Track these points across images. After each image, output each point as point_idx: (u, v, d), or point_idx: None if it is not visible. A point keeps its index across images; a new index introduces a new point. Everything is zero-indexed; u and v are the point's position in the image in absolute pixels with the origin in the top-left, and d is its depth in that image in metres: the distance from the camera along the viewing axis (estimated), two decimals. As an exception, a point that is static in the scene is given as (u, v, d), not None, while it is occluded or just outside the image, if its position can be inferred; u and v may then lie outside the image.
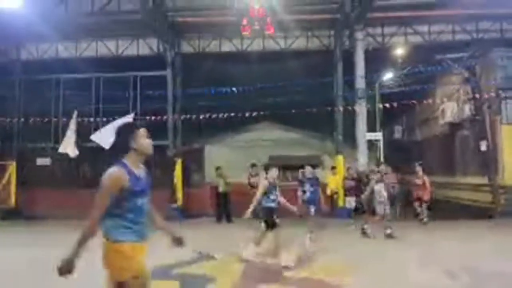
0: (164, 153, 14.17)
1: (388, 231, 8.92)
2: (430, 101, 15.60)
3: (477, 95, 13.37)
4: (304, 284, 5.45)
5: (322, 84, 14.02)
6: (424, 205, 11.25)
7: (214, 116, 14.03)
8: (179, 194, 13.86)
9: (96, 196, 2.68)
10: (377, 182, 9.05)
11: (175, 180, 13.82)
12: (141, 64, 14.62)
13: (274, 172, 6.72)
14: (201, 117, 14.42)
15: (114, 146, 3.12)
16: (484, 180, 13.02)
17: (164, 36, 13.73)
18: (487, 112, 13.17)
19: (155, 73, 14.41)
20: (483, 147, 12.98)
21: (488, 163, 12.95)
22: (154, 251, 7.30)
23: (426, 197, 11.25)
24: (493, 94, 12.92)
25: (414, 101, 14.48)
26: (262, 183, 6.72)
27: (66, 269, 2.53)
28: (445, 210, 14.25)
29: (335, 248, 7.93)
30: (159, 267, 6.37)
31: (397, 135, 24.61)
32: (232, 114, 14.10)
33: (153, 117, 14.04)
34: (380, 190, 9.04)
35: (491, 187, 12.65)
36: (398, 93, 15.99)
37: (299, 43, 14.28)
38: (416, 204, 11.43)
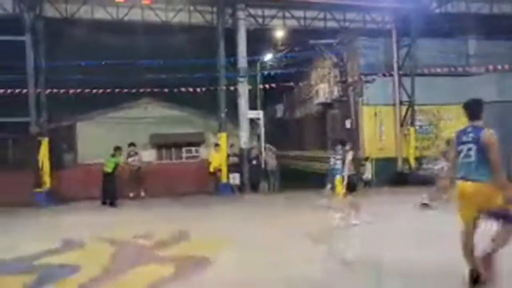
0: (26, 131, 12.40)
1: None
2: (306, 82, 16.79)
3: (344, 79, 14.87)
4: (175, 261, 5.40)
5: (205, 62, 13.85)
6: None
7: (87, 91, 12.73)
8: (46, 177, 12.35)
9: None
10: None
11: (40, 161, 12.24)
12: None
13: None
14: (71, 91, 12.96)
15: None
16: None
17: (20, -6, 11.75)
18: (351, 94, 14.79)
19: (10, 37, 12.27)
20: (348, 124, 14.61)
21: (352, 138, 14.63)
22: (15, 243, 6.47)
23: None
24: (356, 78, 14.55)
25: (292, 83, 15.34)
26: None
27: None
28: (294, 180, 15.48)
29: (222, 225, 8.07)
30: (16, 259, 5.64)
31: (279, 114, 26.13)
32: (109, 90, 12.99)
33: (9, 90, 12.11)
34: None
35: (354, 160, 14.34)
36: (278, 74, 16.82)
37: (182, 17, 13.74)
38: None
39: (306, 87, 19.60)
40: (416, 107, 14.41)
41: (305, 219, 8.38)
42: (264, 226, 7.98)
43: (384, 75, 14.51)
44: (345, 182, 7.66)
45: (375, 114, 14.19)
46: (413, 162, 14.11)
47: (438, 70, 14.41)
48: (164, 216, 9.42)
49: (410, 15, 14.27)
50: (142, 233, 7.17)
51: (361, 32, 14.95)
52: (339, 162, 8.01)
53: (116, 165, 11.36)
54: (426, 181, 13.46)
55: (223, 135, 13.15)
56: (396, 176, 14.21)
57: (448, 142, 7.72)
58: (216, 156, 12.99)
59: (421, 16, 13.99)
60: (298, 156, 21.87)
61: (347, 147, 8.13)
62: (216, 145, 13.32)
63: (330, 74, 16.16)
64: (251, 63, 14.68)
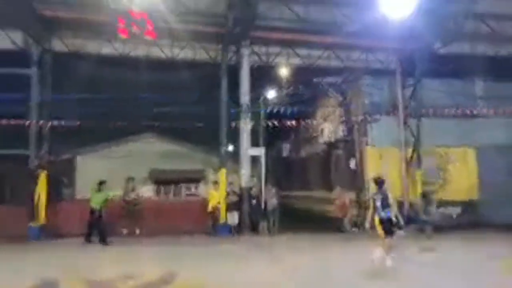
0: (25, 164, 12.29)
1: None
2: (311, 121, 16.59)
3: (348, 118, 14.65)
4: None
5: (208, 98, 13.84)
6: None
7: (88, 124, 12.70)
8: (42, 211, 12.04)
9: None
10: None
11: (37, 195, 11.99)
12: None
13: None
14: (73, 124, 12.94)
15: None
16: (353, 195, 14.18)
17: (30, 29, 12.05)
18: (356, 134, 14.49)
19: (17, 70, 12.48)
20: (352, 165, 14.19)
21: (356, 179, 14.18)
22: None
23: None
24: (361, 118, 14.31)
25: (295, 121, 15.12)
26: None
27: None
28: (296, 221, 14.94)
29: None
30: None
31: (285, 152, 25.84)
32: (110, 123, 12.95)
33: (11, 121, 12.14)
34: None
35: (357, 202, 13.82)
36: (282, 112, 16.72)
37: (186, 53, 13.90)
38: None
39: (312, 126, 19.40)
40: (422, 149, 13.98)
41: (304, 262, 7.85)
42: (257, 268, 7.47)
43: (388, 114, 14.23)
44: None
45: (380, 156, 13.76)
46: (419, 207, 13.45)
47: (445, 111, 14.14)
48: (155, 256, 8.95)
49: (414, 55, 14.21)
50: (126, 274, 6.73)
51: (365, 71, 14.91)
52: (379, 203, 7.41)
53: (106, 201, 11.00)
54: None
55: (223, 172, 12.82)
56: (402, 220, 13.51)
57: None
58: (215, 194, 12.60)
59: (425, 56, 13.92)
60: (301, 196, 21.30)
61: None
62: (215, 182, 12.97)
63: (335, 113, 15.98)
64: (254, 100, 14.61)
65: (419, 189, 13.58)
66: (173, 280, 6.51)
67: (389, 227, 7.27)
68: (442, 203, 14.01)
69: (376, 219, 7.41)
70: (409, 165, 14.00)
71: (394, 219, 7.35)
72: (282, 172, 25.09)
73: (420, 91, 14.33)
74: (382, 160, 13.73)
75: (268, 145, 25.03)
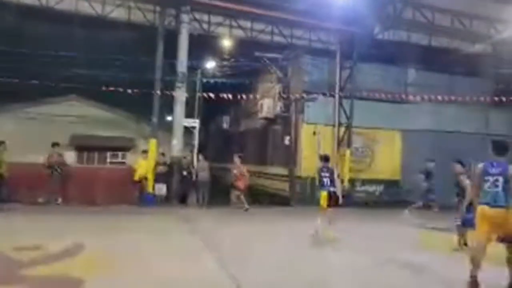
0: None
1: None
2: (249, 96, 16.38)
3: (286, 95, 14.68)
4: (40, 283, 4.60)
5: (142, 63, 13.05)
6: (241, 193, 11.80)
7: (3, 81, 11.41)
8: None
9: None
10: None
11: None
12: None
13: None
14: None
15: None
16: (285, 171, 14.44)
17: None
18: (293, 110, 14.60)
19: None
20: (287, 141, 14.36)
21: (290, 156, 14.40)
22: None
23: (243, 186, 11.83)
24: (299, 95, 14.40)
25: (234, 94, 14.83)
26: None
27: None
28: (258, 197, 15.16)
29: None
30: None
31: (225, 125, 25.56)
32: (29, 82, 11.75)
33: None
34: None
35: (289, 177, 14.10)
36: (222, 84, 16.34)
37: (120, 13, 12.90)
38: (236, 192, 11.94)
39: (252, 100, 19.25)
40: (353, 130, 14.49)
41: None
42: (174, 241, 7.30)
43: (324, 94, 14.48)
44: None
45: (314, 133, 14.04)
46: (347, 184, 14.05)
47: (377, 95, 14.66)
48: (68, 226, 8.40)
49: (354, 38, 14.45)
50: (29, 244, 6.22)
51: (307, 50, 14.93)
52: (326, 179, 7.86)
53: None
54: (358, 203, 13.58)
55: (153, 141, 12.32)
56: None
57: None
58: (143, 164, 12.12)
59: (364, 40, 14.22)
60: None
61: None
62: (144, 151, 12.46)
63: (275, 89, 15.93)
64: (191, 70, 14.06)
65: (348, 167, 14.16)
66: (79, 252, 6.13)
67: (334, 201, 7.75)
68: (367, 181, 14.81)
69: (324, 193, 7.75)
70: (341, 144, 14.46)
71: (338, 194, 7.87)
72: (221, 145, 24.92)
73: (356, 74, 14.69)
74: (315, 137, 14.00)
75: (208, 118, 24.65)
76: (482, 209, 4.72)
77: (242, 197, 11.73)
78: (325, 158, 8.22)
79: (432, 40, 15.47)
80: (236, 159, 12.20)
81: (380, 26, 14.61)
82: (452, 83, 15.78)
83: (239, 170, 11.95)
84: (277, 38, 14.86)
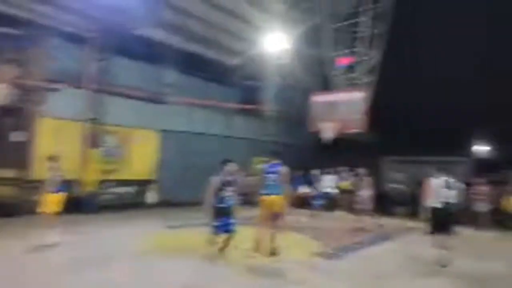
0: None
1: None
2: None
3: (23, 81, 12.32)
4: None
5: None
6: None
7: None
8: None
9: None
10: None
11: None
12: None
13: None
14: None
15: None
16: (12, 174, 12.06)
17: None
18: (29, 100, 12.39)
19: None
20: (18, 137, 12.05)
21: (21, 154, 12.14)
22: None
23: None
24: (40, 84, 12.33)
25: None
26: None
27: None
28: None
29: None
30: None
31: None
32: None
33: None
34: None
35: (19, 181, 11.88)
36: None
37: None
38: None
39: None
40: (106, 127, 13.58)
41: None
42: None
43: (73, 86, 12.95)
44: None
45: (57, 129, 12.33)
46: (94, 186, 13.03)
47: (135, 93, 14.28)
48: None
49: (112, 29, 13.50)
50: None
51: (56, 32, 12.96)
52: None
53: None
54: (105, 207, 12.79)
55: None
56: (72, 201, 12.59)
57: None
58: None
59: (123, 33, 13.51)
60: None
61: None
62: None
63: (8, 72, 13.10)
64: None
65: (97, 167, 13.16)
66: None
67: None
68: (120, 183, 14.21)
69: (53, 197, 7.51)
70: (89, 142, 13.27)
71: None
72: None
73: (113, 68, 13.82)
74: (58, 134, 12.32)
75: None
76: (263, 198, 6.78)
77: None
78: (52, 159, 7.74)
79: (190, 46, 16.27)
80: None
81: (140, 21, 14.24)
82: (205, 88, 17.13)
83: None
84: (16, 11, 12.28)
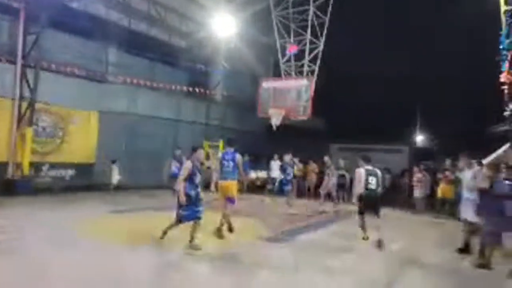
0: None
1: None
2: None
3: None
4: None
5: None
6: None
7: None
8: None
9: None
10: None
11: None
12: None
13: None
14: None
15: None
16: None
17: None
18: None
19: None
20: None
21: None
22: None
23: None
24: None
25: None
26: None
27: None
28: None
29: None
30: None
31: None
32: None
33: None
34: None
35: None
36: None
37: None
38: None
39: None
40: (41, 106, 12.49)
41: None
42: None
43: (1, 59, 11.71)
44: None
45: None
46: (27, 168, 12.01)
47: (72, 70, 13.24)
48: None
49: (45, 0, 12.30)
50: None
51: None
52: None
53: None
54: (42, 190, 11.82)
55: None
56: (4, 184, 11.58)
57: None
58: None
59: (55, 4, 12.38)
60: None
61: None
62: None
63: None
64: None
65: (30, 148, 12.11)
66: None
67: None
68: (56, 165, 13.24)
69: None
70: (22, 121, 12.14)
71: None
72: None
73: (47, 43, 12.65)
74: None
75: None
76: (220, 183, 7.17)
77: None
78: None
79: (132, 23, 15.38)
80: None
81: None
82: (152, 69, 16.35)
83: None
84: None
